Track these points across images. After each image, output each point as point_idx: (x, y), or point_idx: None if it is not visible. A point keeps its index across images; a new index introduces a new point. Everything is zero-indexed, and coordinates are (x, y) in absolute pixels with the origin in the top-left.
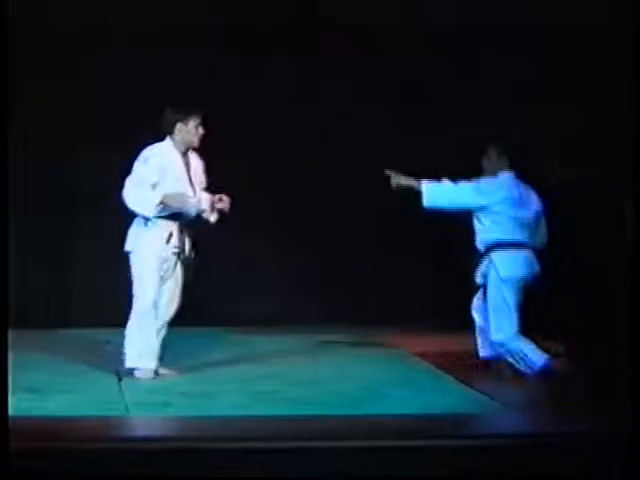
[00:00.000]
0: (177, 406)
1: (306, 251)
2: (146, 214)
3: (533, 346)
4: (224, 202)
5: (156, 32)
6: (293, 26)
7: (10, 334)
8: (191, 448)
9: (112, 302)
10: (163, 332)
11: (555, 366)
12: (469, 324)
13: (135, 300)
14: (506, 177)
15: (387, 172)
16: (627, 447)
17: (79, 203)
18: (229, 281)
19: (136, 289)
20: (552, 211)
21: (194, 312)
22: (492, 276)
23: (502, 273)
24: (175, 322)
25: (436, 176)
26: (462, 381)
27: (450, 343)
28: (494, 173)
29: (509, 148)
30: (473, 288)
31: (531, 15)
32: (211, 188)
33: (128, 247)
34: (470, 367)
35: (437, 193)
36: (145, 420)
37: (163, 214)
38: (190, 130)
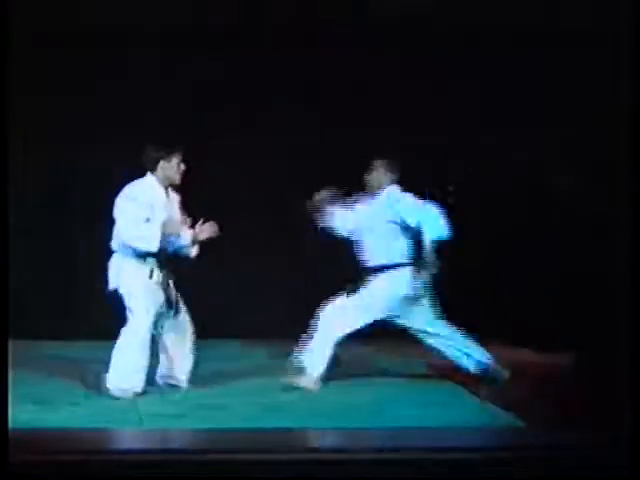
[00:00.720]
0: (192, 418)
1: (306, 261)
2: (151, 249)
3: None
4: (209, 229)
5: (156, 32)
6: (293, 26)
7: (11, 345)
8: (196, 460)
9: (113, 310)
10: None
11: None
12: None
13: (128, 323)
14: (386, 193)
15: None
16: (627, 447)
17: (79, 203)
18: (226, 293)
19: (129, 315)
20: (552, 211)
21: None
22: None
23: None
24: None
25: (436, 175)
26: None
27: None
28: (377, 188)
29: (395, 165)
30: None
31: (531, 15)
32: (203, 193)
33: (113, 284)
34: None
35: (338, 215)
36: (144, 432)
37: (161, 246)
38: (173, 167)
